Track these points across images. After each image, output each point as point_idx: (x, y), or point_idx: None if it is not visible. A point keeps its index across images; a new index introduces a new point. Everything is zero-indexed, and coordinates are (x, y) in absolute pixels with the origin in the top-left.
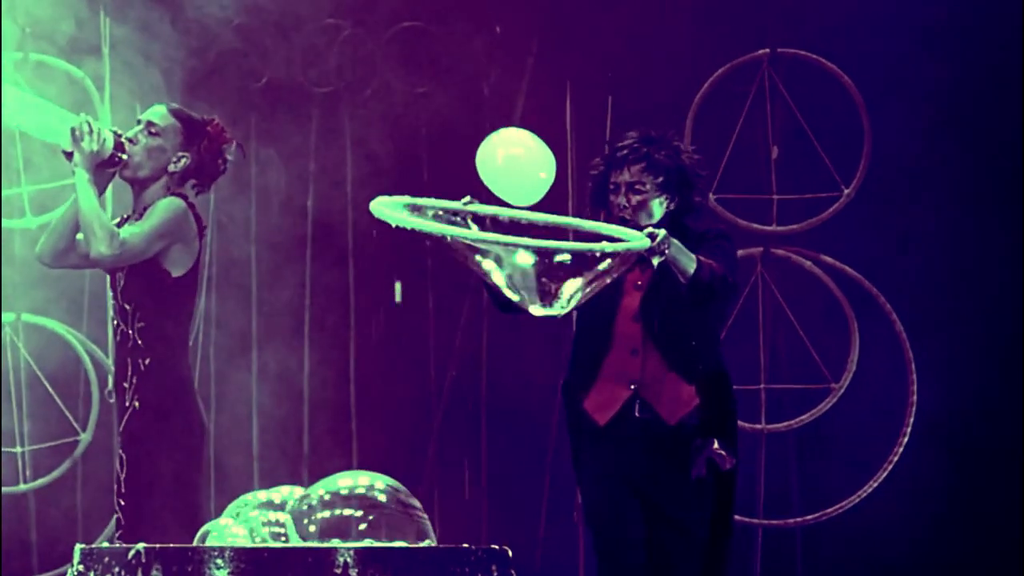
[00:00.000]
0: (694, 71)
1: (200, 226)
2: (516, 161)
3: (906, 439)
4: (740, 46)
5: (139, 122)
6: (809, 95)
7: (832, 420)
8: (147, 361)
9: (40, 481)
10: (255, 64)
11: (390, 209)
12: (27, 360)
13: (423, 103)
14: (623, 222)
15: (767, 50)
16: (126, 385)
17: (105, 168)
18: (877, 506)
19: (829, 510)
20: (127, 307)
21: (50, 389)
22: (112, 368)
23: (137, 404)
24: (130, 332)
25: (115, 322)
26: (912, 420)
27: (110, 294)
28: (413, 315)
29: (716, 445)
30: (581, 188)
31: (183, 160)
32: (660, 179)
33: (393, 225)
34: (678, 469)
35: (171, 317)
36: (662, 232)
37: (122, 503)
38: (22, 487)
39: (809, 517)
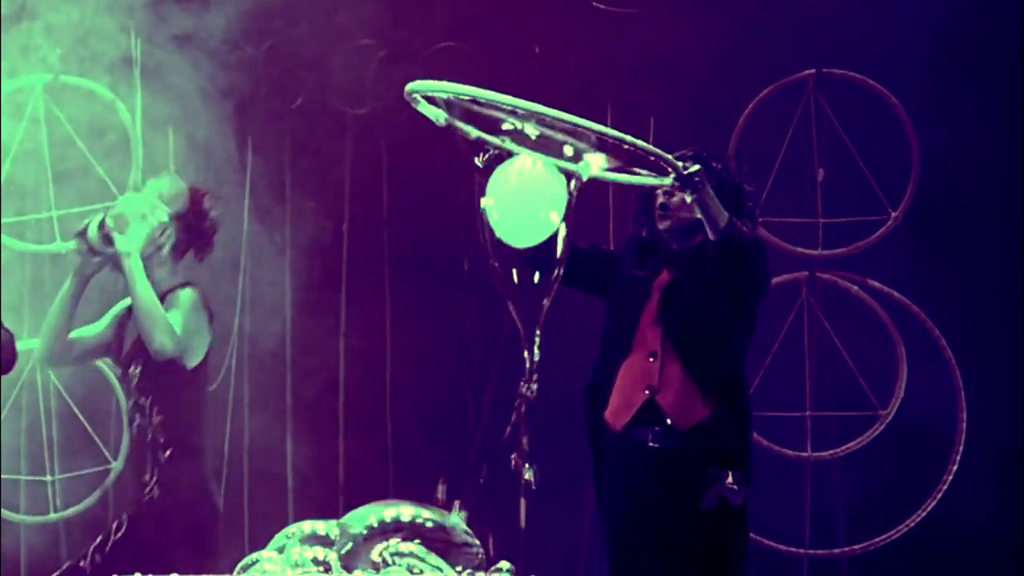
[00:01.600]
0: (738, 92)
1: (210, 313)
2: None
3: (956, 467)
4: (785, 66)
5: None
6: (856, 116)
7: (879, 448)
8: (167, 453)
9: (71, 510)
10: (289, 86)
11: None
12: (57, 388)
13: None
14: (668, 232)
15: (813, 70)
16: (147, 479)
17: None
18: (926, 536)
19: (876, 540)
20: (143, 401)
21: (81, 417)
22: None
23: (156, 494)
24: (148, 426)
25: (131, 416)
26: (962, 447)
27: (119, 388)
28: (449, 338)
29: (730, 479)
30: (622, 207)
31: (168, 233)
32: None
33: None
34: (689, 497)
35: (189, 407)
36: (697, 167)
37: None
38: (52, 516)
39: (856, 547)
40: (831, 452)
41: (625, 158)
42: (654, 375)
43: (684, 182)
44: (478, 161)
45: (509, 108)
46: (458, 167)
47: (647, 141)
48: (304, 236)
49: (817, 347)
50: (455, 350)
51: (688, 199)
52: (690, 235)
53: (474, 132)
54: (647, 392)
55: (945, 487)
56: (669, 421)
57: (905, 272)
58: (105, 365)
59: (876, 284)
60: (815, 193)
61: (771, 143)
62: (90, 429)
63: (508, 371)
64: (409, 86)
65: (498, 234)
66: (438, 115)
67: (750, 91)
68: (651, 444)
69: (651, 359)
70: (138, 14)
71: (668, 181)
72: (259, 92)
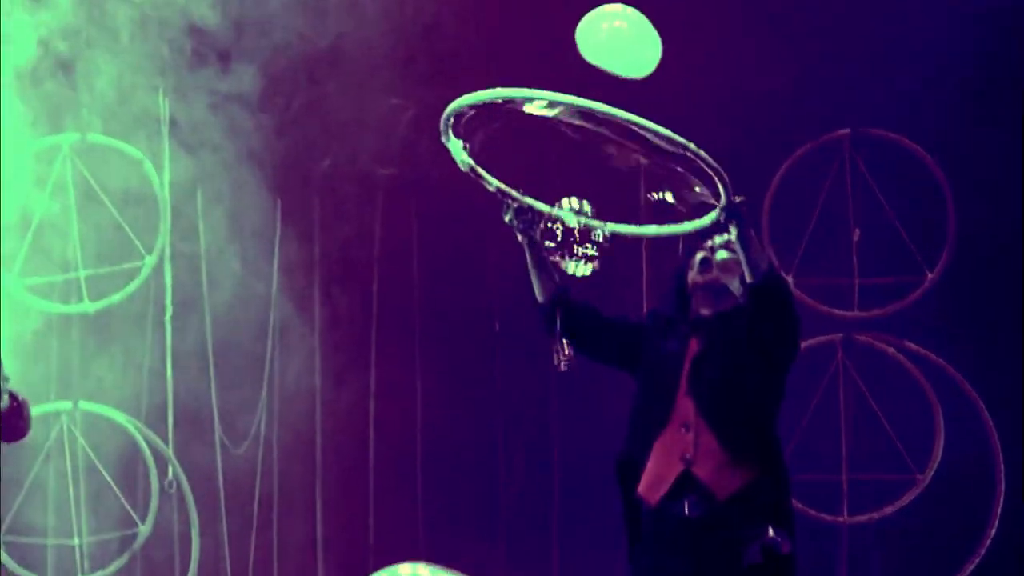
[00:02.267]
0: (773, 150)
1: None
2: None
3: (994, 531)
4: (821, 124)
5: None
6: (892, 176)
7: (916, 512)
8: None
9: (98, 574)
10: (318, 147)
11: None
12: (85, 449)
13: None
14: (704, 290)
15: (848, 129)
16: None
17: None
18: None
19: None
20: None
21: (108, 479)
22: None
23: None
24: None
25: None
26: (1000, 512)
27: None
28: (480, 397)
29: (771, 532)
30: (655, 263)
31: None
32: None
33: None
34: (732, 560)
35: None
36: (742, 197)
37: None
38: None
39: None
40: (867, 516)
41: (674, 172)
42: (689, 446)
43: (731, 212)
44: (507, 219)
45: (553, 102)
46: (488, 228)
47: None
48: (334, 297)
49: (853, 409)
50: (486, 411)
51: (733, 233)
52: (720, 300)
53: (494, 182)
54: (683, 464)
55: (984, 552)
56: (706, 491)
57: (942, 334)
58: (133, 426)
59: (913, 346)
60: (851, 253)
61: (806, 202)
62: (118, 491)
63: (539, 432)
64: (448, 109)
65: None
66: (464, 159)
67: (785, 150)
68: (688, 514)
69: (684, 430)
70: (168, 74)
71: (709, 220)
72: (288, 153)
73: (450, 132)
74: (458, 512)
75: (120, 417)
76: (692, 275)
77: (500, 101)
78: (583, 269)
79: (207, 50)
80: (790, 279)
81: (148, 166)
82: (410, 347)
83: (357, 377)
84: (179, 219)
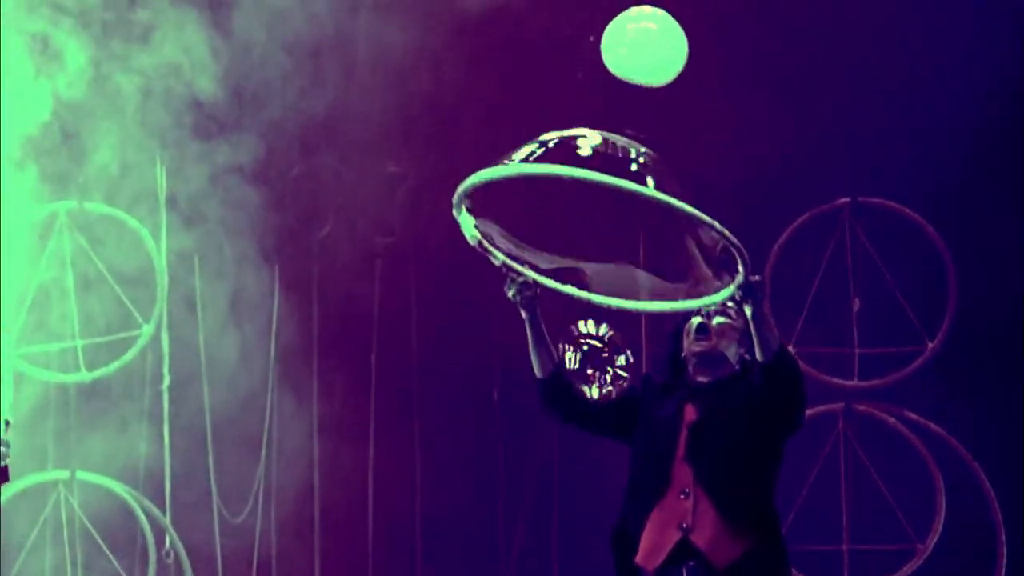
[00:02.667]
0: (772, 219)
1: None
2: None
3: None
4: (820, 194)
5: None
6: (892, 245)
7: None
8: None
9: None
10: (316, 215)
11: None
12: (82, 519)
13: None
14: (701, 358)
15: (848, 198)
16: None
17: None
18: None
19: None
20: None
21: (105, 549)
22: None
23: None
24: None
25: None
26: None
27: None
28: (479, 467)
29: None
30: (654, 329)
31: None
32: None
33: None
34: None
35: None
36: (759, 277)
37: None
38: None
39: None
40: None
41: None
42: (687, 513)
43: (748, 290)
44: (510, 294)
45: (568, 177)
46: (487, 297)
47: None
48: (332, 366)
49: (854, 479)
50: (485, 481)
51: (748, 312)
52: (716, 367)
53: (500, 257)
54: (681, 531)
55: None
56: (704, 559)
57: (943, 403)
58: (130, 496)
59: (913, 416)
60: (851, 322)
61: (806, 272)
62: (115, 562)
63: (539, 502)
64: (460, 187)
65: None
66: (473, 233)
67: (784, 219)
68: None
69: (683, 497)
70: (168, 145)
71: (725, 295)
72: (286, 221)
73: (463, 207)
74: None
75: (117, 487)
76: (688, 343)
77: (517, 176)
78: (603, 392)
79: (207, 121)
80: (791, 348)
81: (146, 235)
82: (408, 416)
83: (355, 446)
84: (176, 288)
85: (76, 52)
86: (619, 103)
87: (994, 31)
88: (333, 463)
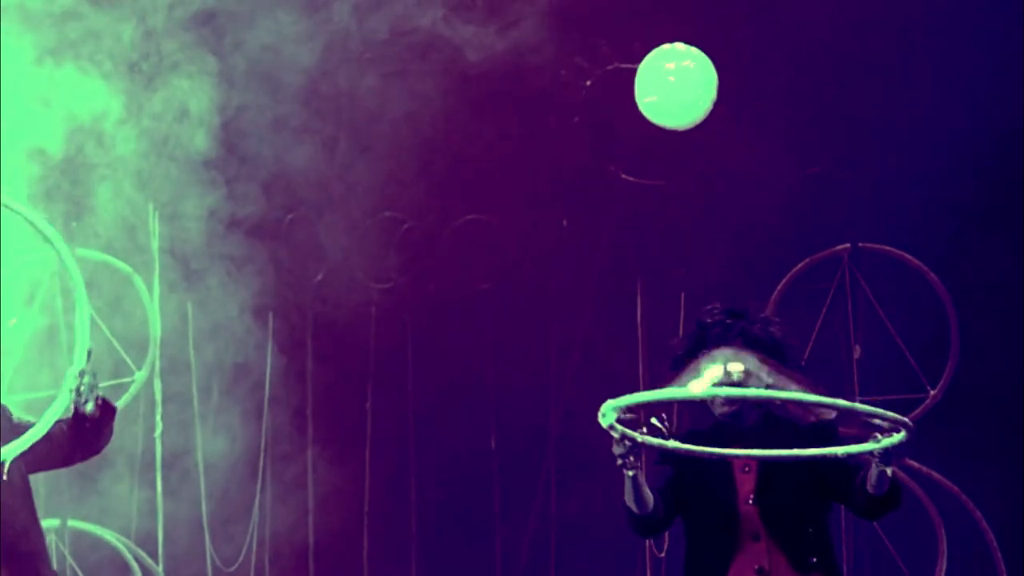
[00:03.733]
0: (771, 266)
1: None
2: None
3: None
4: (820, 240)
5: None
6: (893, 292)
7: None
8: None
9: None
10: (311, 260)
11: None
12: (74, 568)
13: (488, 299)
14: (734, 418)
15: (848, 245)
16: None
17: None
18: None
19: None
20: None
21: None
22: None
23: None
24: None
25: None
26: None
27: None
28: (477, 518)
29: None
30: (654, 379)
31: None
32: (758, 355)
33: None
34: None
35: None
36: (903, 435)
37: None
38: None
39: None
40: None
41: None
42: (763, 556)
43: (899, 453)
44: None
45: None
46: (485, 343)
47: (679, 316)
48: (327, 413)
49: (855, 528)
50: (482, 535)
51: (888, 472)
52: (752, 412)
53: (640, 439)
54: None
55: None
56: None
57: (945, 452)
58: (122, 544)
59: (915, 464)
60: (851, 370)
61: (806, 319)
62: None
63: (536, 553)
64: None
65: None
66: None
67: (783, 266)
68: None
69: (755, 540)
70: (158, 189)
71: (865, 449)
72: (281, 267)
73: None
74: None
75: (110, 535)
76: (716, 409)
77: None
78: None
79: (201, 171)
80: None
81: (138, 280)
82: (405, 466)
83: (351, 496)
84: (168, 335)
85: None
86: (612, 147)
87: (993, 73)
88: (328, 512)
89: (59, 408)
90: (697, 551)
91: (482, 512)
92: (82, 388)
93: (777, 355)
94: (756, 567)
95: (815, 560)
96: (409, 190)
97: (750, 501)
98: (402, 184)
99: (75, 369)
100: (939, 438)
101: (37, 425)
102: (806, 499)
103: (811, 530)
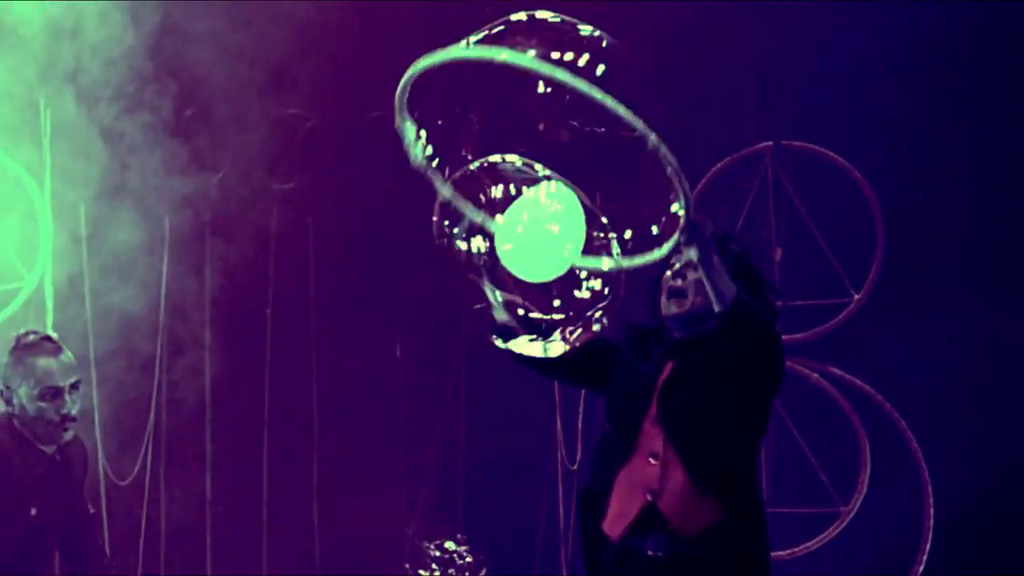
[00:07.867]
0: (691, 164)
1: None
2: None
3: (922, 568)
4: (741, 138)
5: None
6: (817, 192)
7: (843, 546)
8: None
9: None
10: (210, 159)
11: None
12: None
13: (393, 197)
14: (679, 320)
15: (770, 142)
16: None
17: None
18: None
19: None
20: None
21: None
22: None
23: None
24: None
25: None
26: (929, 545)
27: None
28: (379, 422)
29: None
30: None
31: None
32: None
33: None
34: None
35: None
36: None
37: None
38: None
39: None
40: (789, 551)
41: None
42: (655, 478)
43: (691, 233)
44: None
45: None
46: (392, 244)
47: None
48: (226, 321)
49: (774, 440)
50: (386, 438)
51: (694, 256)
52: (696, 324)
53: (446, 192)
54: (648, 497)
55: None
56: (671, 528)
57: (869, 359)
58: None
59: (837, 371)
60: (772, 273)
61: (726, 220)
62: None
63: (444, 459)
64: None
65: (512, 270)
66: (417, 152)
67: (703, 164)
68: (650, 553)
69: (652, 461)
70: (51, 84)
71: (663, 252)
72: (180, 164)
73: (406, 113)
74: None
75: None
76: (664, 305)
77: (463, 60)
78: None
79: (97, 58)
80: None
81: (28, 180)
82: (307, 370)
83: (251, 401)
84: (60, 237)
85: None
86: None
87: None
88: (225, 421)
89: None
90: (596, 455)
91: (387, 417)
92: None
93: (745, 275)
94: (646, 489)
95: (720, 490)
96: (314, 85)
97: (656, 419)
98: (307, 79)
99: None
100: (864, 345)
101: None
102: (717, 422)
103: (721, 459)
